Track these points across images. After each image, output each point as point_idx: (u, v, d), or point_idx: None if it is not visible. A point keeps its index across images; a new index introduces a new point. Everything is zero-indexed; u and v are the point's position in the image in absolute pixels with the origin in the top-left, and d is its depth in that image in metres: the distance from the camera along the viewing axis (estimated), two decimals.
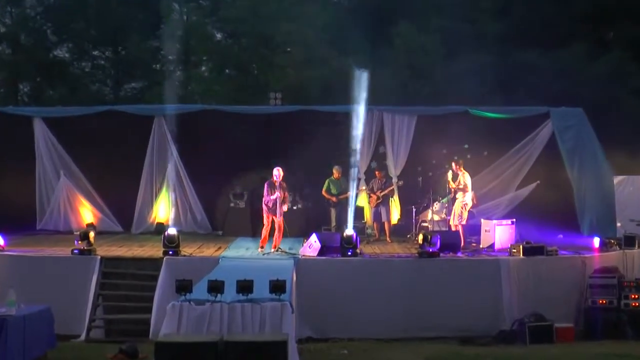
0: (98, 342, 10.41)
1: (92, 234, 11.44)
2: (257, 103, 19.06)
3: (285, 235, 12.35)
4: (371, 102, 15.27)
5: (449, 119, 14.93)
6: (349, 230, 11.47)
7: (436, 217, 14.13)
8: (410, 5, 18.66)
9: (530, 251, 11.37)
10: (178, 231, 11.69)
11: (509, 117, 15.06)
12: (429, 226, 13.85)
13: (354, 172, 13.13)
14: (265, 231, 12.15)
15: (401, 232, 14.52)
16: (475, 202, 13.58)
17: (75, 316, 10.58)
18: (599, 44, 20.11)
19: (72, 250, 11.29)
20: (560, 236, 13.44)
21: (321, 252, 11.42)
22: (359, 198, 14.80)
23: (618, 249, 12.13)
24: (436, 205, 14.21)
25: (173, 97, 15.69)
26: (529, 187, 14.95)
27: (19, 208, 14.71)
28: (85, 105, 17.61)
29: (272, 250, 11.92)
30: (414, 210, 14.22)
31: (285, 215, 12.39)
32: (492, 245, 12.42)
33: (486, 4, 20.00)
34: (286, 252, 11.82)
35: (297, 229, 13.28)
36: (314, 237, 11.65)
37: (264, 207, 12.14)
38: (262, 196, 12.24)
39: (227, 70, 23.91)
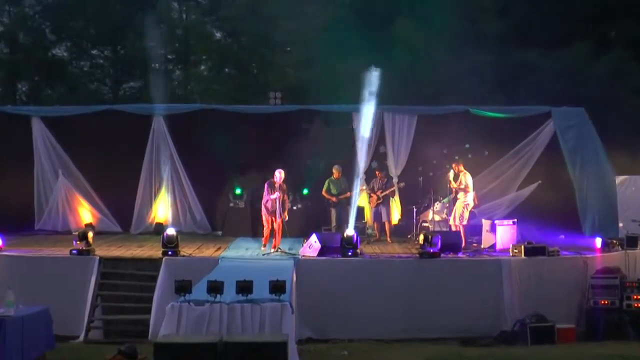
0: (97, 343, 10.37)
1: (90, 234, 11.40)
2: (257, 102, 19.03)
3: (285, 235, 12.30)
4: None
5: (449, 119, 14.90)
6: (349, 231, 11.43)
7: (437, 218, 14.08)
8: (411, 5, 18.61)
9: (532, 251, 11.34)
10: (177, 231, 11.65)
11: (510, 117, 15.02)
12: (430, 226, 13.81)
13: (358, 170, 13.13)
14: (266, 232, 12.13)
15: (402, 232, 14.48)
16: (476, 202, 13.53)
17: (74, 317, 10.53)
18: (600, 44, 20.07)
19: (71, 251, 11.25)
20: (562, 236, 13.41)
21: (321, 253, 11.38)
22: (359, 198, 14.76)
23: (620, 249, 12.11)
24: (437, 206, 14.16)
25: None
26: (531, 187, 14.90)
27: (17, 208, 14.70)
28: (84, 105, 17.56)
29: (272, 250, 11.87)
30: (414, 210, 14.17)
31: (288, 212, 12.33)
32: (493, 246, 12.37)
33: (487, 4, 19.95)
34: (286, 253, 11.78)
35: (297, 229, 13.22)
36: (314, 238, 11.61)
37: (263, 208, 12.11)
38: (262, 196, 12.21)
39: (226, 70, 23.88)
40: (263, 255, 11.73)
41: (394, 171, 15.13)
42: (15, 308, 7.96)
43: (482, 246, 12.67)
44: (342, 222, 13.64)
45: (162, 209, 15.24)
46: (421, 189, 14.70)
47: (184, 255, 11.35)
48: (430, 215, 14.01)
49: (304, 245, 11.79)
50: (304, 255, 11.37)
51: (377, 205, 13.84)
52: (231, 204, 14.94)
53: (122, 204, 15.25)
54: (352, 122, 15.29)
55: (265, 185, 12.07)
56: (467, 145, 15.17)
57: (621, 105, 18.28)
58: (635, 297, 10.87)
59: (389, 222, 13.98)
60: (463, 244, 12.37)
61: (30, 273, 10.87)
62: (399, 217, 14.99)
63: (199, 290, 8.17)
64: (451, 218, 13.30)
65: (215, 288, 7.93)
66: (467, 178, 13.05)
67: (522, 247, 11.39)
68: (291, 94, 17.99)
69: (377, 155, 15.43)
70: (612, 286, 11.01)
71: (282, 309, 7.91)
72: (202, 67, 24.81)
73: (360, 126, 15.09)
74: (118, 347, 8.54)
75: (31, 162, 15.23)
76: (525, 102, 15.78)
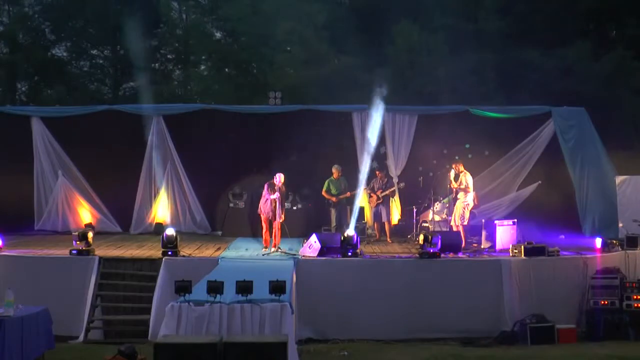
0: (96, 343, 10.37)
1: (90, 234, 11.38)
2: (257, 102, 19.02)
3: (285, 235, 12.30)
4: (370, 101, 15.27)
5: (450, 119, 14.91)
6: (350, 231, 11.42)
7: (437, 218, 14.07)
8: (412, 4, 18.59)
9: (532, 252, 11.33)
10: (177, 231, 11.63)
11: (510, 117, 15.02)
12: (430, 226, 13.80)
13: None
14: (265, 234, 12.14)
15: (402, 232, 14.47)
16: (476, 202, 13.53)
17: (74, 317, 10.53)
18: (601, 43, 20.05)
19: (71, 251, 11.24)
20: (562, 237, 13.43)
21: (321, 253, 11.38)
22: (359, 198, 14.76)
23: (620, 249, 12.11)
24: (437, 206, 14.15)
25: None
26: (531, 187, 14.91)
27: (17, 208, 14.69)
28: (84, 105, 17.55)
29: (273, 248, 11.87)
30: (414, 210, 14.16)
31: (285, 215, 12.35)
32: (493, 246, 12.36)
33: (487, 3, 19.93)
34: (286, 253, 11.77)
35: (297, 229, 13.21)
36: (313, 238, 11.61)
37: (261, 208, 12.11)
38: (262, 196, 12.20)
39: (226, 69, 23.84)
40: (263, 255, 11.72)
41: (394, 171, 15.12)
42: (15, 308, 7.96)
43: (482, 246, 12.65)
44: (342, 222, 13.66)
45: (161, 209, 15.23)
46: (421, 189, 14.67)
47: (183, 256, 11.35)
48: (430, 215, 14.00)
49: (304, 245, 11.78)
50: (304, 256, 11.36)
51: (377, 205, 13.83)
52: (231, 204, 14.93)
53: (121, 204, 15.24)
54: (352, 122, 15.30)
55: (265, 186, 12.07)
56: (467, 145, 15.17)
57: (623, 104, 18.27)
58: (635, 297, 10.85)
59: (389, 222, 13.98)
60: (463, 244, 12.36)
61: (30, 273, 10.86)
62: (399, 217, 14.98)
63: (199, 291, 8.16)
64: (451, 218, 13.30)
65: (215, 288, 7.92)
66: (467, 178, 13.05)
67: (522, 247, 11.38)
68: (291, 94, 17.97)
69: (377, 155, 15.42)
70: (612, 286, 11.00)
71: (282, 309, 7.90)
72: (202, 67, 24.80)
73: (360, 126, 15.17)
74: (117, 348, 8.51)
75: (31, 162, 15.22)
76: (525, 101, 15.77)
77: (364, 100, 15.73)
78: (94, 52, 24.94)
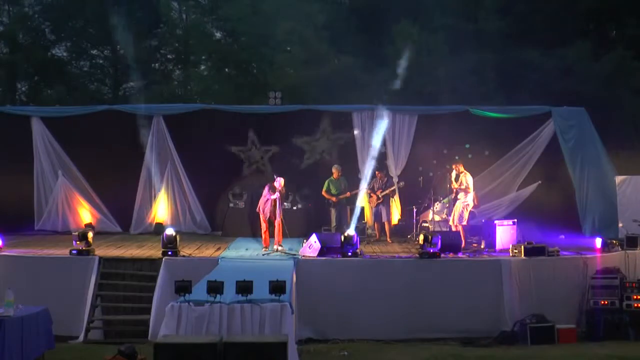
0: (96, 343, 10.38)
1: (90, 234, 11.38)
2: (257, 102, 19.02)
3: (285, 235, 12.30)
4: (371, 101, 15.29)
5: (450, 119, 14.90)
6: (350, 231, 11.42)
7: (437, 218, 14.07)
8: (412, 4, 18.58)
9: (532, 252, 11.33)
10: (177, 231, 11.63)
11: (510, 117, 15.02)
12: (430, 226, 13.79)
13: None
14: (264, 234, 12.14)
15: (402, 232, 14.46)
16: (476, 202, 13.53)
17: (74, 317, 10.53)
18: (601, 43, 20.04)
19: (71, 251, 11.24)
20: (562, 237, 13.42)
21: (321, 253, 11.38)
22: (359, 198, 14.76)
23: (620, 249, 12.10)
24: (437, 206, 14.15)
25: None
26: (531, 187, 14.90)
27: (17, 208, 14.69)
28: (84, 105, 17.55)
29: (275, 246, 11.87)
30: (414, 210, 14.16)
31: (285, 215, 12.36)
32: (493, 246, 12.36)
33: (487, 3, 19.92)
34: (286, 253, 11.77)
35: (297, 229, 13.21)
36: (314, 238, 11.60)
37: (260, 207, 12.11)
38: (262, 196, 12.21)
39: (226, 69, 23.83)
40: (263, 255, 11.73)
41: (394, 171, 15.13)
42: (15, 308, 7.96)
43: (482, 246, 12.65)
44: (342, 222, 13.66)
45: (161, 209, 15.24)
46: (421, 189, 14.67)
47: (183, 256, 11.35)
48: (430, 215, 13.99)
49: (304, 245, 11.78)
50: (304, 256, 11.36)
51: (377, 205, 13.83)
52: (231, 204, 14.93)
53: (121, 204, 15.24)
54: (352, 122, 15.31)
55: (266, 187, 12.09)
56: (467, 145, 15.17)
57: (623, 104, 18.26)
58: (635, 297, 10.84)
59: (389, 222, 13.98)
60: (463, 244, 12.36)
61: (30, 273, 10.86)
62: (399, 217, 14.98)
63: (199, 291, 8.16)
64: (451, 218, 13.30)
65: (215, 288, 7.92)
66: (467, 178, 13.05)
67: (522, 247, 11.38)
68: (291, 94, 17.96)
69: (377, 155, 15.40)
70: (612, 286, 11.00)
71: (282, 309, 7.90)
72: (202, 67, 24.79)
73: (360, 126, 15.18)
74: (117, 348, 8.51)
75: (31, 162, 15.22)
76: (525, 101, 15.77)
77: (364, 100, 15.77)
78: (94, 52, 24.92)
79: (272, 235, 12.10)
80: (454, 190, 13.21)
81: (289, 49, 20.93)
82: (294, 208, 14.57)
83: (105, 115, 15.29)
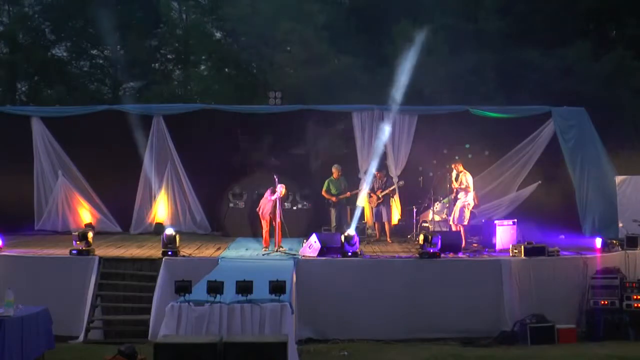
0: (96, 343, 10.38)
1: (90, 234, 11.38)
2: (257, 102, 19.02)
3: (285, 235, 12.31)
4: (371, 101, 15.30)
5: (449, 119, 14.90)
6: (350, 231, 11.42)
7: (437, 218, 14.07)
8: (412, 4, 18.58)
9: (532, 252, 11.33)
10: (177, 231, 11.63)
11: (510, 117, 15.02)
12: (430, 226, 13.80)
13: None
14: (265, 233, 12.15)
15: (402, 232, 14.46)
16: (476, 202, 13.53)
17: (74, 317, 10.53)
18: (601, 43, 20.03)
19: (71, 251, 11.24)
20: (562, 237, 13.42)
21: (321, 253, 11.38)
22: (359, 198, 14.77)
23: (620, 249, 12.10)
24: (437, 206, 14.15)
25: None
26: (531, 187, 14.91)
27: (17, 208, 14.69)
28: (84, 105, 17.54)
29: (275, 247, 11.88)
30: (414, 210, 14.16)
31: (285, 215, 12.36)
32: (493, 246, 12.36)
33: (488, 3, 19.92)
34: (286, 253, 11.77)
35: (297, 229, 13.22)
36: (314, 238, 11.61)
37: (261, 208, 12.13)
38: (262, 196, 12.22)
39: (226, 70, 23.83)
40: (263, 255, 11.73)
41: (394, 171, 15.12)
42: (15, 308, 7.95)
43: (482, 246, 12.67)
44: (342, 222, 13.66)
45: (161, 209, 15.24)
46: (421, 189, 14.67)
47: (183, 256, 11.35)
48: (430, 215, 13.99)
49: (304, 245, 11.78)
50: (304, 255, 11.36)
51: (378, 205, 13.83)
52: (231, 204, 14.93)
53: (121, 204, 15.24)
54: (352, 122, 15.31)
55: (269, 190, 12.13)
56: (467, 145, 15.17)
57: (623, 104, 18.25)
58: (635, 297, 10.84)
59: (389, 222, 13.98)
60: (463, 244, 12.36)
61: (30, 273, 10.86)
62: (399, 217, 14.98)
63: (199, 291, 8.16)
64: (451, 218, 13.30)
65: (215, 288, 7.92)
66: (467, 178, 13.06)
67: (522, 247, 11.38)
68: (291, 94, 17.96)
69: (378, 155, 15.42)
70: (612, 286, 10.99)
71: (282, 309, 7.90)
72: (202, 67, 24.79)
73: (360, 126, 15.18)
74: (117, 348, 8.52)
75: (31, 162, 15.22)
76: (525, 101, 15.77)
77: (364, 100, 15.77)
78: (94, 52, 24.92)
79: (272, 236, 12.10)
80: (454, 190, 13.22)
81: (289, 49, 20.92)
82: (294, 208, 14.58)
83: (105, 115, 15.28)
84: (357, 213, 12.52)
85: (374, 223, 14.28)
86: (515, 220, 12.78)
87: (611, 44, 20.04)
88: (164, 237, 11.38)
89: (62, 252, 11.55)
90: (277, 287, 7.99)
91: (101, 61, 25.18)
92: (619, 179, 14.35)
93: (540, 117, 15.01)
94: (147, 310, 10.40)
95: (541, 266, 11.22)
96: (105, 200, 15.28)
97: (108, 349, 9.05)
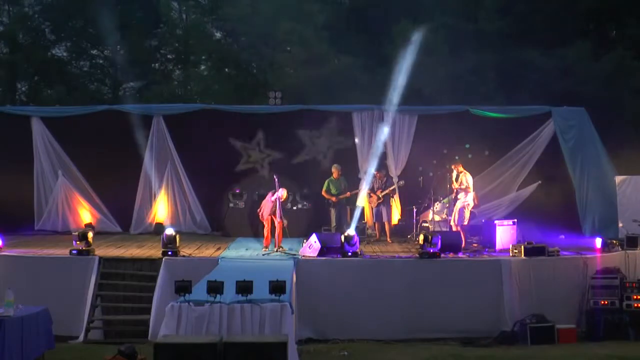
0: (96, 343, 10.37)
1: (90, 234, 11.38)
2: (257, 102, 19.01)
3: (285, 235, 12.31)
4: (371, 101, 15.30)
5: (449, 119, 14.91)
6: (350, 231, 11.42)
7: (437, 218, 14.07)
8: (412, 4, 18.58)
9: (532, 252, 11.32)
10: (177, 231, 11.63)
11: (510, 117, 15.03)
12: (430, 226, 13.79)
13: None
14: (266, 232, 12.15)
15: (402, 232, 14.46)
16: (476, 202, 13.53)
17: (74, 317, 10.53)
18: (601, 43, 20.02)
19: (71, 251, 11.24)
20: (562, 237, 13.42)
21: (321, 253, 11.38)
22: (359, 198, 14.77)
23: (620, 249, 12.10)
24: (437, 206, 14.15)
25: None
26: (531, 187, 14.92)
27: (17, 208, 14.69)
28: (84, 105, 17.54)
29: (275, 248, 11.88)
30: (414, 210, 14.16)
31: (285, 215, 12.36)
32: (493, 246, 12.36)
33: (488, 2, 19.91)
34: (286, 253, 11.77)
35: (297, 229, 13.22)
36: (314, 238, 11.61)
37: (262, 208, 12.15)
38: (263, 197, 12.25)
39: (226, 69, 23.83)
40: (263, 255, 11.73)
41: (394, 171, 15.13)
42: (15, 308, 7.95)
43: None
44: (342, 222, 13.66)
45: (161, 209, 15.24)
46: (421, 189, 14.68)
47: (183, 256, 11.34)
48: (430, 215, 13.99)
49: (304, 245, 11.78)
50: (304, 255, 11.36)
51: (378, 205, 13.83)
52: (231, 204, 14.94)
53: (121, 204, 15.25)
54: (352, 122, 15.31)
55: (270, 192, 12.14)
56: (467, 145, 15.17)
57: (623, 104, 18.24)
58: (635, 297, 10.84)
59: (389, 222, 13.98)
60: (463, 244, 12.35)
61: (30, 273, 10.86)
62: (399, 217, 14.98)
63: (199, 291, 8.16)
64: (451, 218, 13.29)
65: (215, 288, 7.92)
66: (467, 178, 13.06)
67: (522, 247, 11.38)
68: (291, 94, 17.96)
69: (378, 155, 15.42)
70: (612, 286, 10.99)
71: (282, 309, 7.90)
72: (202, 67, 24.79)
73: (360, 126, 15.18)
74: (117, 348, 8.53)
75: (31, 162, 15.23)
76: (525, 101, 15.77)
77: (364, 100, 15.77)
78: (94, 52, 24.91)
79: (272, 236, 12.10)
80: (454, 190, 13.21)
81: (289, 49, 20.92)
82: (294, 208, 14.59)
83: (105, 115, 15.29)
84: (357, 213, 12.51)
85: (374, 223, 14.28)
86: (515, 220, 12.78)
87: (611, 44, 20.02)
88: (164, 237, 11.38)
89: (62, 252, 11.54)
90: (277, 287, 7.99)
91: (101, 61, 25.17)
92: (619, 179, 14.34)
93: (540, 117, 15.02)
94: (147, 310, 10.40)
95: (541, 266, 11.22)
96: (105, 200, 15.28)
97: (108, 349, 9.05)
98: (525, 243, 11.49)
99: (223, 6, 22.15)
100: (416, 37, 13.25)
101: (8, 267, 10.98)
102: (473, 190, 13.22)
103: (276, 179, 12.04)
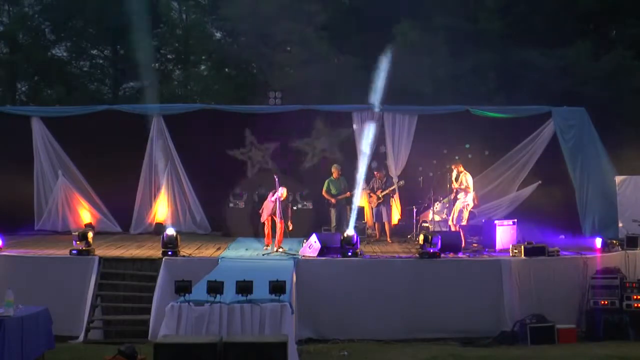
0: (96, 343, 10.38)
1: (90, 234, 11.39)
2: (257, 102, 19.00)
3: (285, 235, 12.31)
4: (371, 101, 15.27)
5: (450, 119, 14.92)
6: (349, 231, 11.42)
7: (437, 218, 14.08)
8: (412, 3, 18.57)
9: (532, 252, 11.33)
10: (177, 231, 11.63)
11: (510, 117, 15.03)
12: (430, 226, 13.80)
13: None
14: (267, 231, 12.16)
15: (402, 232, 14.47)
16: (476, 202, 13.54)
17: (74, 317, 10.54)
18: (602, 43, 20.00)
19: (71, 251, 11.25)
20: (562, 237, 13.43)
21: (321, 253, 11.38)
22: (359, 198, 14.76)
23: (620, 249, 12.11)
24: (437, 206, 14.16)
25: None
26: (531, 187, 14.93)
27: (17, 208, 14.69)
28: (84, 105, 17.54)
29: (275, 248, 11.88)
30: (414, 210, 14.16)
31: (285, 215, 12.37)
32: (493, 246, 12.36)
33: (488, 2, 19.90)
34: (286, 253, 11.77)
35: (297, 229, 13.21)
36: (313, 238, 11.61)
37: (262, 211, 12.15)
38: (264, 198, 12.27)
39: (226, 69, 23.82)
40: (263, 255, 11.73)
41: (394, 171, 15.14)
42: (15, 308, 7.95)
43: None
44: (342, 222, 13.65)
45: (161, 209, 15.24)
46: (421, 189, 14.68)
47: (183, 256, 11.35)
48: (430, 215, 14.00)
49: (304, 245, 11.79)
50: (304, 256, 11.36)
51: (378, 205, 13.83)
52: (231, 204, 14.94)
53: (121, 204, 15.24)
54: (352, 122, 15.32)
55: (270, 192, 12.17)
56: (467, 145, 15.18)
57: (623, 104, 18.23)
58: (635, 297, 10.84)
59: (389, 222, 13.98)
60: (463, 244, 12.36)
61: (30, 273, 10.86)
62: (399, 217, 14.99)
63: (199, 291, 8.16)
64: (450, 218, 13.30)
65: (215, 288, 7.92)
66: (467, 178, 13.06)
67: (522, 247, 11.38)
68: (291, 94, 17.96)
69: (377, 155, 15.44)
70: (612, 286, 10.99)
71: (282, 309, 7.90)
72: (202, 67, 24.78)
73: (360, 126, 15.18)
74: (117, 348, 8.52)
75: (31, 162, 15.23)
76: (525, 101, 15.78)
77: (364, 100, 15.75)
78: (94, 52, 24.90)
79: (273, 236, 12.11)
80: (454, 190, 13.21)
81: (289, 49, 20.91)
82: (294, 208, 14.57)
83: (105, 115, 15.30)
84: (354, 213, 12.46)
85: (374, 223, 14.28)
86: (515, 220, 12.79)
87: (611, 44, 20.00)
88: (164, 237, 11.38)
89: (62, 252, 11.55)
90: (277, 287, 8.00)
91: (101, 61, 25.17)
92: (619, 179, 14.34)
93: (540, 117, 15.03)
94: (147, 310, 10.40)
95: (541, 266, 11.23)
96: (105, 200, 15.28)
97: (108, 349, 9.05)
98: (525, 243, 11.50)
99: (223, 6, 22.13)
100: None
101: (8, 267, 10.98)
102: (473, 191, 13.22)
103: (276, 179, 12.04)
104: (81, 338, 10.46)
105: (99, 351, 9.27)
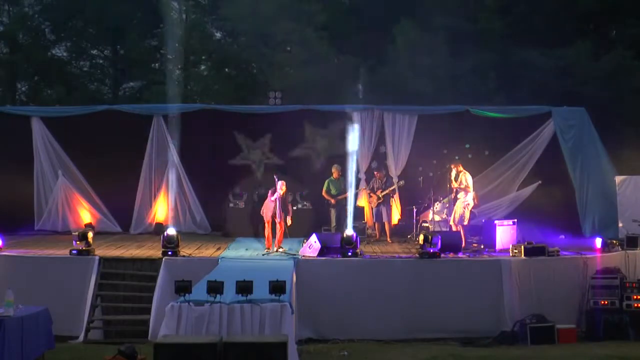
0: (96, 343, 10.38)
1: (90, 234, 11.39)
2: (257, 102, 19.00)
3: (285, 235, 12.31)
4: (372, 101, 15.30)
5: (449, 119, 14.92)
6: (349, 231, 11.42)
7: (437, 218, 14.08)
8: (412, 3, 18.57)
9: (532, 252, 11.33)
10: (177, 231, 11.63)
11: (510, 117, 15.03)
12: (430, 226, 13.80)
13: (351, 172, 13.18)
14: (267, 231, 12.16)
15: (402, 232, 14.46)
16: (476, 202, 13.53)
17: (74, 317, 10.54)
18: (602, 43, 20.01)
19: (71, 251, 11.25)
20: (562, 237, 13.43)
21: (321, 253, 11.38)
22: (359, 198, 14.77)
23: (620, 249, 12.11)
24: (437, 206, 14.16)
25: (175, 97, 15.70)
26: (531, 187, 14.93)
27: (17, 208, 14.69)
28: (84, 105, 17.54)
29: (275, 248, 11.88)
30: (414, 210, 14.16)
31: (285, 209, 12.36)
32: (493, 246, 12.36)
33: (488, 2, 19.91)
34: (286, 253, 11.77)
35: (297, 229, 13.22)
36: (313, 238, 11.62)
37: (262, 211, 12.16)
38: (264, 198, 12.27)
39: (226, 70, 23.83)
40: (263, 255, 11.73)
41: (394, 171, 15.15)
42: (15, 308, 7.95)
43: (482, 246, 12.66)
44: (342, 222, 13.64)
45: (161, 209, 15.24)
46: (421, 189, 14.68)
47: (183, 256, 11.35)
48: (430, 215, 14.00)
49: (304, 245, 11.79)
50: (304, 256, 11.36)
51: (378, 205, 13.83)
52: (231, 204, 14.94)
53: (121, 204, 15.24)
54: (352, 121, 15.30)
55: (270, 191, 12.18)
56: (467, 145, 15.18)
57: (623, 104, 18.24)
58: (635, 297, 10.84)
59: (389, 222, 13.98)
60: (463, 244, 12.36)
61: (30, 273, 10.86)
62: (399, 217, 14.98)
63: (199, 291, 8.17)
64: (451, 218, 13.30)
65: (215, 288, 7.93)
66: (467, 178, 13.06)
67: (522, 247, 11.38)
68: (291, 94, 17.96)
69: (377, 155, 15.45)
70: (612, 286, 11.00)
71: (282, 309, 7.91)
72: (202, 67, 24.79)
73: (360, 126, 15.17)
74: (117, 348, 8.52)
75: (31, 162, 15.23)
76: (525, 101, 15.79)
77: (364, 100, 15.76)
78: (94, 52, 24.90)
79: (273, 236, 12.11)
80: (454, 189, 13.21)
81: (289, 49, 20.91)
82: (294, 208, 14.56)
83: (105, 115, 15.30)
84: (350, 213, 12.45)
85: (374, 223, 14.28)
86: (515, 220, 12.79)
87: (611, 44, 20.00)
88: (164, 237, 11.38)
89: (62, 252, 11.55)
90: (277, 287, 8.00)
91: (101, 61, 25.17)
92: (619, 179, 14.34)
93: (540, 117, 15.03)
94: (147, 310, 10.40)
95: (541, 266, 11.23)
96: (105, 200, 15.28)
97: (108, 349, 9.05)
98: (525, 243, 11.50)
99: (223, 6, 22.13)
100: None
101: (8, 267, 10.99)
102: (473, 190, 13.22)
103: (276, 178, 12.04)
104: (81, 338, 10.46)
105: (99, 351, 9.27)
